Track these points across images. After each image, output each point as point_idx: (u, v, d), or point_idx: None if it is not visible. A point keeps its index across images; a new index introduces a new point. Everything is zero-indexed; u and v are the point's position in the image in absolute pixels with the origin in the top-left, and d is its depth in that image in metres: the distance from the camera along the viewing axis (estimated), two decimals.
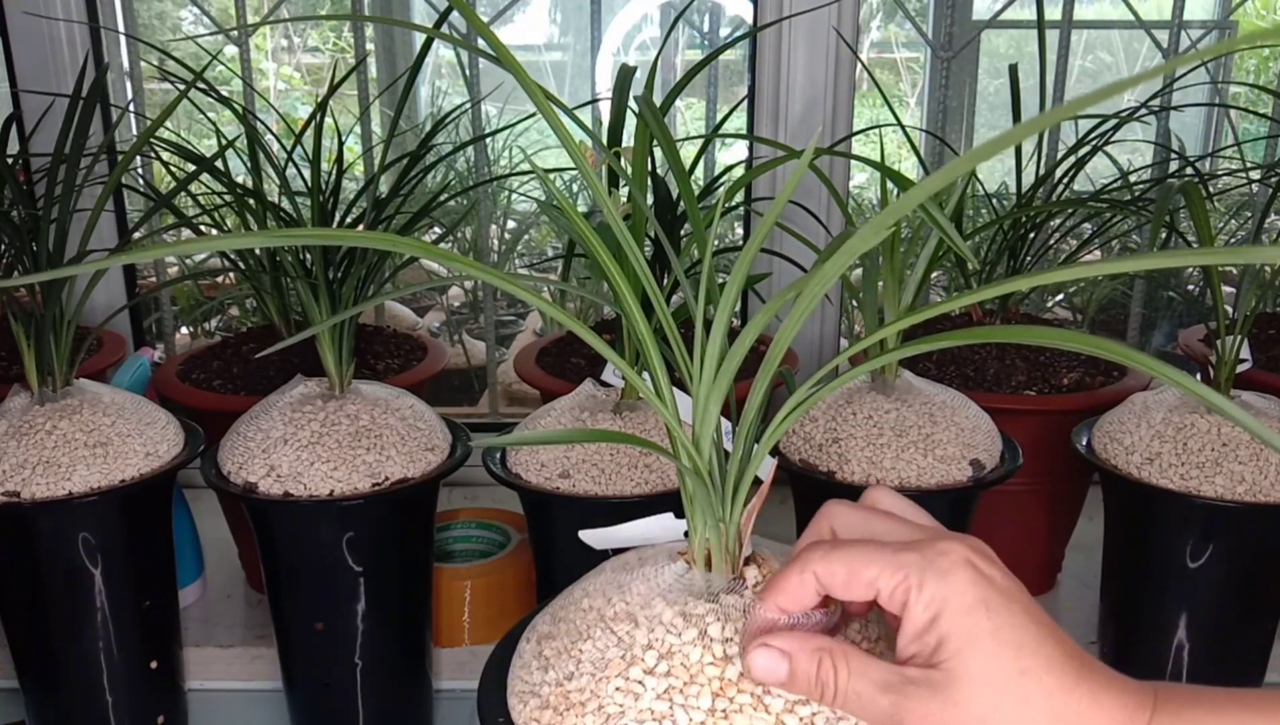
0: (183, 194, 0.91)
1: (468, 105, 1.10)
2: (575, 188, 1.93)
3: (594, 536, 0.60)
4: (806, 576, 0.37)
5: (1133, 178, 1.08)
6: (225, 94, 0.89)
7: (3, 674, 0.86)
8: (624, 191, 0.74)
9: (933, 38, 1.23)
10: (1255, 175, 1.11)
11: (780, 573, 0.38)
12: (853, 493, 0.74)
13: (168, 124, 0.85)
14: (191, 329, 1.80)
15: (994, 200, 1.36)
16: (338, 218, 0.87)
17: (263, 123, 1.07)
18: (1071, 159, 0.99)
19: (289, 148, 0.88)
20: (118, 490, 0.73)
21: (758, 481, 0.44)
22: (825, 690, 0.36)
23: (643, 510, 0.59)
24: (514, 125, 1.09)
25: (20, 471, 0.72)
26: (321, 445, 0.74)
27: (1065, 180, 1.00)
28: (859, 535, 0.39)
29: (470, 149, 1.53)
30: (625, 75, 0.71)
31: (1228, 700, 0.35)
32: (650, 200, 0.79)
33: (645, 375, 0.44)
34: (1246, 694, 0.35)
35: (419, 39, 2.17)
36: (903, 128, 0.96)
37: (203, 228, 1.05)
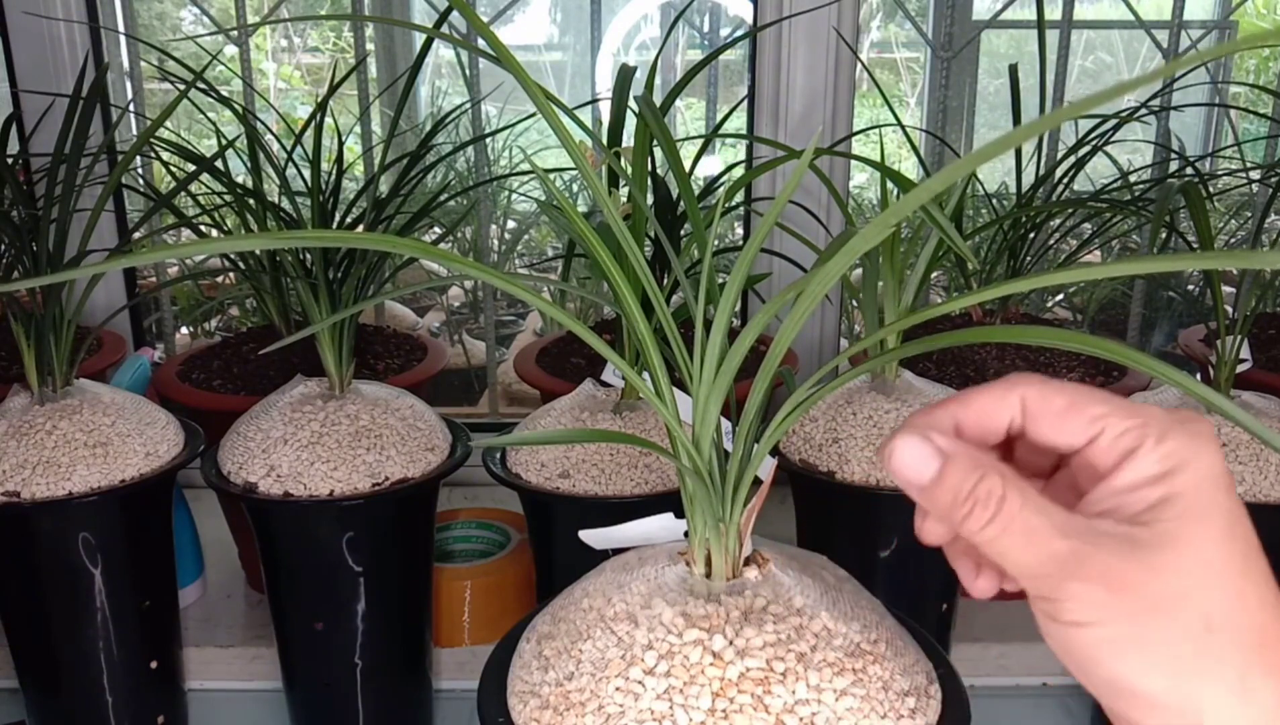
0: (183, 194, 0.91)
1: (468, 105, 1.10)
2: (575, 188, 1.93)
3: (594, 536, 0.60)
4: (1010, 397, 0.31)
5: (1133, 178, 1.08)
6: (225, 94, 0.89)
7: (3, 674, 0.86)
8: (624, 191, 0.74)
9: (933, 38, 1.23)
10: (1255, 175, 1.11)
11: (974, 389, 0.32)
12: (853, 493, 0.74)
13: (168, 124, 0.85)
14: (191, 329, 1.80)
15: (994, 200, 1.36)
16: (338, 218, 0.87)
17: (263, 123, 1.07)
18: (1071, 159, 0.99)
19: (289, 148, 0.88)
20: (118, 490, 0.73)
21: (758, 481, 0.44)
22: (982, 511, 0.29)
23: (643, 510, 0.59)
24: (514, 125, 1.09)
25: (20, 471, 0.72)
26: (321, 445, 0.74)
27: (1065, 180, 1.00)
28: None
29: (470, 149, 1.53)
30: (625, 75, 0.71)
31: None
32: (650, 200, 0.79)
33: (645, 375, 0.44)
34: None
35: (419, 39, 2.17)
36: (903, 128, 0.96)
37: (203, 228, 1.05)
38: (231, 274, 1.19)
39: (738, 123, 1.21)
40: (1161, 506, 0.29)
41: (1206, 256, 0.31)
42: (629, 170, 0.66)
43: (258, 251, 0.98)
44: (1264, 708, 0.28)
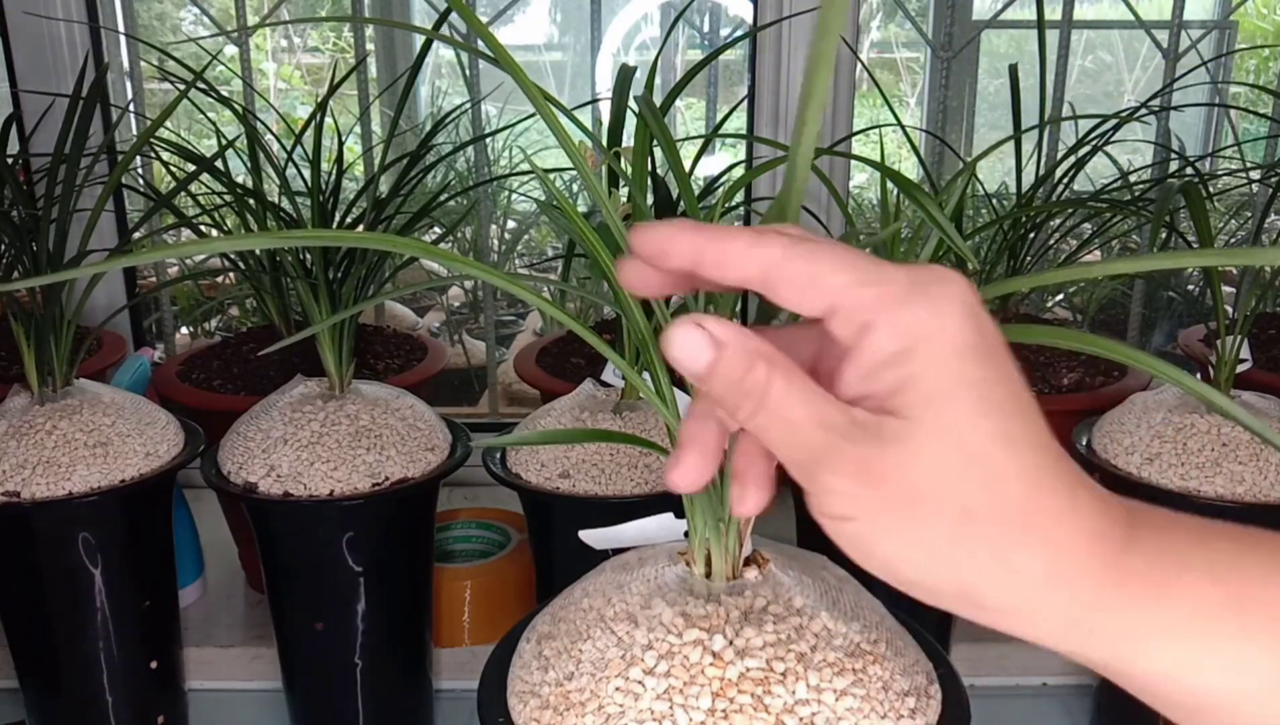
0: (183, 194, 0.91)
1: (468, 105, 1.10)
2: (575, 188, 1.93)
3: (594, 536, 0.60)
4: (754, 253, 0.28)
5: (1133, 178, 1.08)
6: (225, 94, 0.89)
7: (3, 674, 0.86)
8: (624, 191, 0.74)
9: (933, 38, 1.23)
10: (1255, 175, 1.11)
11: (731, 231, 0.29)
12: None
13: (168, 124, 0.85)
14: (191, 329, 1.80)
15: (994, 200, 1.36)
16: (338, 218, 0.87)
17: (263, 123, 1.07)
18: (1071, 159, 0.99)
19: (289, 148, 0.88)
20: (118, 490, 0.73)
21: None
22: (747, 401, 0.28)
23: (643, 510, 0.59)
24: (514, 125, 1.09)
25: (20, 471, 0.72)
26: (321, 445, 0.74)
27: (1065, 180, 1.00)
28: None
29: (470, 149, 1.53)
30: (625, 75, 0.71)
31: (1207, 528, 0.29)
32: (650, 200, 0.79)
33: (645, 375, 0.44)
34: (1224, 526, 0.29)
35: (419, 39, 2.17)
36: (903, 128, 0.96)
37: (203, 228, 1.05)
38: (231, 274, 1.19)
39: (738, 123, 1.21)
40: (906, 390, 0.27)
41: (1206, 255, 0.31)
42: (629, 170, 0.66)
43: (258, 251, 0.98)
44: (1031, 580, 0.28)
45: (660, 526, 0.57)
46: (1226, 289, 1.39)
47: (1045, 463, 0.28)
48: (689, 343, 0.28)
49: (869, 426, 0.27)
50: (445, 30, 0.89)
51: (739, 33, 1.51)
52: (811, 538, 0.83)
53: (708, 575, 0.44)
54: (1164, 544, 0.28)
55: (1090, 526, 0.28)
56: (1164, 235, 0.98)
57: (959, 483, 0.27)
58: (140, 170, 1.07)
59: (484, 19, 0.45)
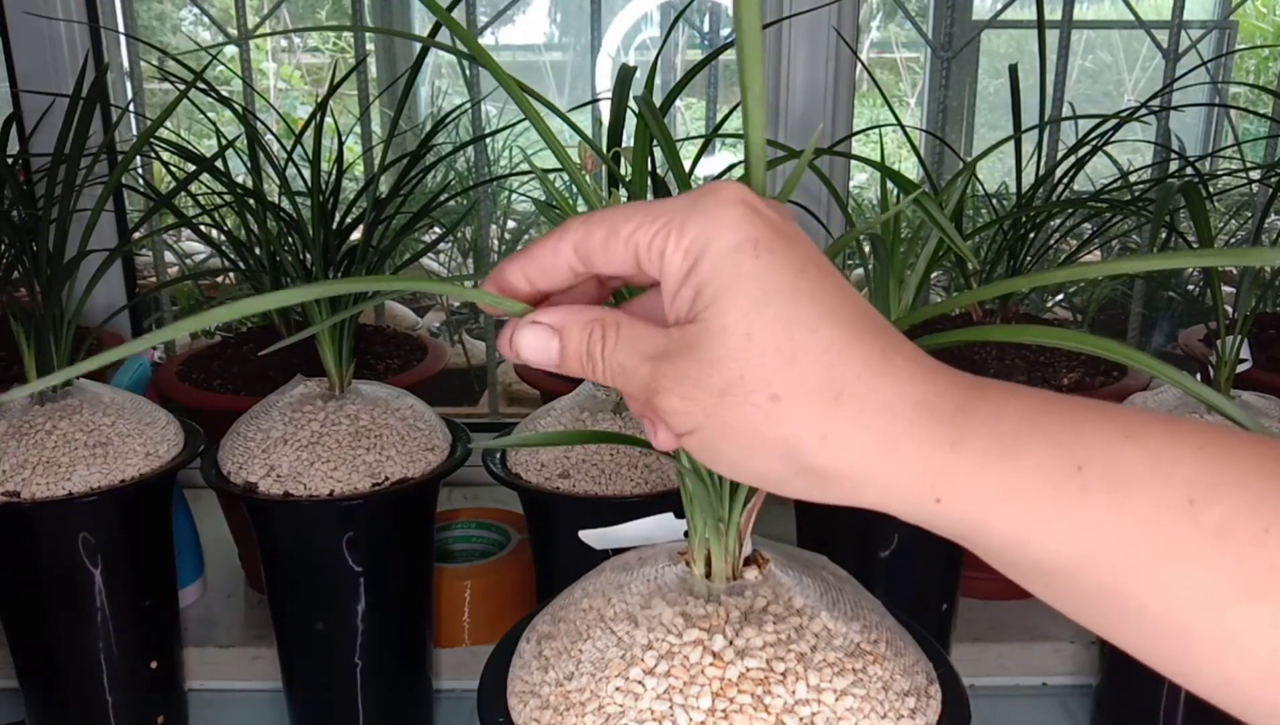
0: (183, 194, 0.91)
1: (468, 105, 1.10)
2: (575, 188, 1.93)
3: (594, 536, 0.60)
4: (562, 244, 0.31)
5: (1133, 178, 1.08)
6: (225, 94, 0.89)
7: (3, 674, 0.86)
8: (624, 192, 0.74)
9: (933, 38, 1.23)
10: (1255, 175, 1.11)
11: (536, 242, 0.32)
12: None
13: (168, 124, 0.85)
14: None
15: (994, 200, 1.36)
16: (338, 218, 0.87)
17: (263, 123, 1.07)
18: (1071, 159, 0.99)
19: (289, 148, 0.88)
20: (118, 490, 0.73)
21: None
22: (594, 365, 0.31)
23: (643, 510, 0.59)
24: (514, 125, 1.09)
25: (20, 471, 0.72)
26: (321, 445, 0.74)
27: (1065, 180, 1.00)
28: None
29: (470, 149, 1.53)
30: (625, 75, 0.71)
31: (1050, 398, 0.29)
32: (650, 200, 0.79)
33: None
34: (1066, 397, 0.29)
35: None
36: (903, 128, 0.96)
37: (203, 227, 1.05)
38: (231, 274, 1.19)
39: (738, 123, 1.21)
40: (697, 299, 0.29)
41: (1206, 254, 0.31)
42: (629, 171, 0.66)
43: (256, 251, 0.98)
44: (861, 449, 0.28)
45: (660, 526, 0.57)
46: (1226, 289, 1.39)
47: (844, 336, 0.28)
48: (532, 340, 0.32)
49: (679, 341, 0.29)
50: (444, 33, 0.89)
51: None
52: (811, 538, 0.83)
53: (708, 575, 0.44)
54: (1005, 411, 0.28)
55: (913, 393, 0.28)
56: (1164, 235, 0.98)
57: (757, 370, 0.28)
58: (140, 170, 1.07)
59: (484, 19, 0.45)
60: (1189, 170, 1.01)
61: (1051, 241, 1.06)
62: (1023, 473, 0.27)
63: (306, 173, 0.81)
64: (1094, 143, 0.97)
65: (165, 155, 0.99)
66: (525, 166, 1.84)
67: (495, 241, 2.12)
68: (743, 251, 0.28)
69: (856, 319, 0.29)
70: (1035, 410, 0.27)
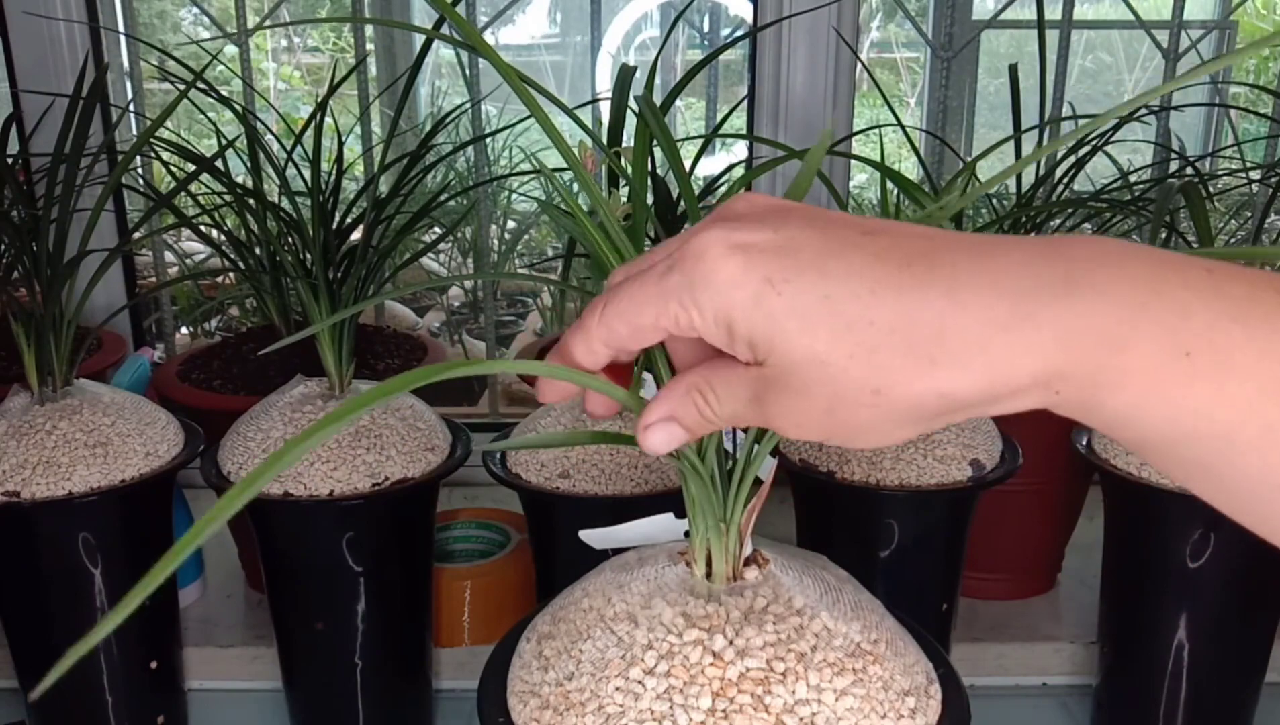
0: (183, 194, 0.91)
1: (468, 105, 1.10)
2: (576, 187, 1.93)
3: (594, 536, 0.60)
4: (593, 344, 0.33)
5: (1133, 178, 1.08)
6: (225, 94, 0.89)
7: (3, 674, 0.86)
8: (624, 191, 0.74)
9: (933, 38, 1.23)
10: (1255, 175, 1.11)
11: (566, 345, 0.34)
12: (853, 493, 0.74)
13: (168, 124, 0.85)
14: (191, 329, 1.80)
15: (994, 200, 1.36)
16: (338, 218, 0.87)
17: (263, 123, 1.07)
18: (1071, 159, 0.99)
19: (289, 148, 0.88)
20: (118, 490, 0.73)
21: (758, 482, 0.44)
22: (712, 424, 0.34)
23: (643, 510, 0.59)
24: (514, 125, 1.09)
25: (20, 471, 0.72)
26: (321, 445, 0.74)
27: (1065, 180, 1.00)
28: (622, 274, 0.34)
29: (470, 149, 1.53)
30: (625, 75, 0.71)
31: (1158, 277, 0.27)
32: (650, 200, 0.79)
33: (646, 375, 0.44)
34: (1178, 269, 0.28)
35: (419, 39, 2.17)
36: (903, 128, 0.96)
37: (203, 227, 1.05)
38: (231, 274, 1.19)
39: (738, 123, 1.21)
40: (755, 351, 0.30)
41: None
42: (629, 170, 0.66)
43: (257, 251, 0.98)
44: (963, 385, 0.28)
45: (660, 526, 0.57)
46: None
47: (901, 303, 0.28)
48: (660, 438, 0.34)
49: (764, 380, 0.31)
50: (445, 30, 0.89)
51: (739, 33, 1.51)
52: (811, 538, 0.83)
53: (708, 575, 0.44)
54: (1111, 298, 0.27)
55: (1001, 304, 0.27)
56: (1164, 235, 0.98)
57: (847, 384, 0.29)
58: (140, 170, 1.07)
59: (484, 19, 0.45)
60: (1189, 170, 1.01)
61: None
62: (1130, 364, 0.27)
63: (306, 173, 0.81)
64: (1094, 142, 0.97)
65: (165, 155, 0.99)
66: (525, 166, 1.84)
67: (495, 241, 2.12)
68: (764, 298, 0.29)
69: (902, 269, 0.28)
70: (1145, 295, 0.27)
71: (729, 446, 0.44)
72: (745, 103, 1.16)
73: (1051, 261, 0.28)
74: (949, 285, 0.28)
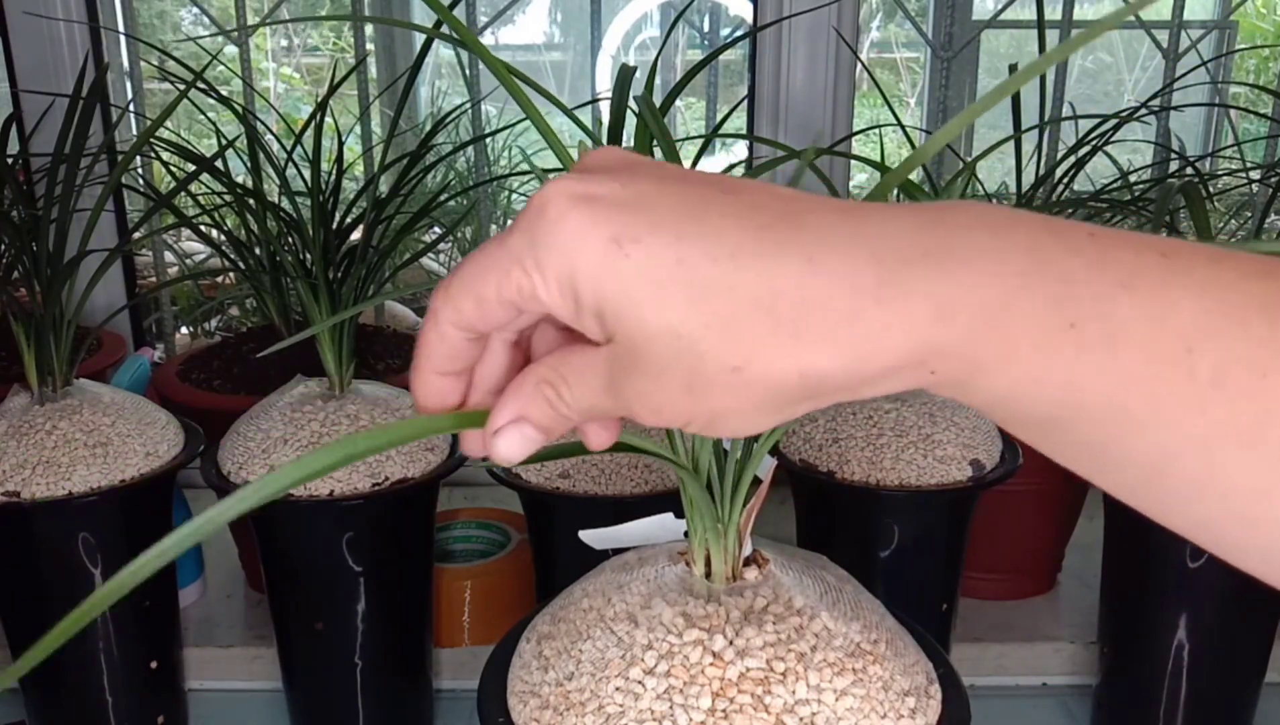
0: (183, 194, 0.91)
1: (468, 105, 1.10)
2: None
3: (594, 536, 0.60)
4: (442, 328, 0.29)
5: (1133, 178, 1.08)
6: (225, 94, 0.89)
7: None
8: None
9: (933, 38, 1.23)
10: (1255, 175, 1.11)
11: (418, 338, 0.31)
12: (853, 492, 0.74)
13: (168, 124, 0.85)
14: (191, 329, 1.80)
15: (994, 200, 1.36)
16: (338, 218, 0.87)
17: (263, 123, 1.07)
18: (1071, 159, 0.99)
19: (289, 148, 0.88)
20: (118, 490, 0.73)
21: (757, 481, 0.44)
22: (567, 420, 0.29)
23: (643, 510, 0.59)
24: (514, 125, 1.09)
25: (20, 471, 0.72)
26: (322, 445, 0.74)
27: (1065, 180, 1.00)
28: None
29: (470, 149, 1.53)
30: (625, 75, 0.71)
31: (1032, 264, 0.25)
32: None
33: None
34: (1058, 250, 0.25)
35: (419, 39, 2.17)
36: (903, 128, 0.96)
37: (203, 227, 1.05)
38: (231, 274, 1.19)
39: (738, 123, 1.21)
40: (603, 324, 0.27)
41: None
42: None
43: (257, 251, 0.98)
44: (830, 363, 0.25)
45: (660, 526, 0.57)
46: None
47: (767, 271, 0.25)
48: (510, 444, 0.29)
49: (616, 362, 0.27)
50: (446, 28, 0.89)
51: (739, 33, 1.51)
52: (811, 538, 0.83)
53: (708, 575, 0.44)
54: (989, 271, 0.25)
55: (869, 273, 0.25)
56: (1164, 235, 0.98)
57: (705, 357, 0.26)
58: (140, 170, 1.07)
59: (484, 19, 0.45)
60: (1189, 170, 1.01)
61: None
62: (1010, 339, 0.24)
63: (306, 173, 0.81)
64: (1094, 142, 0.97)
65: (165, 155, 0.99)
66: (525, 166, 1.84)
67: None
68: (610, 257, 0.26)
69: (765, 230, 0.25)
70: (1027, 262, 0.24)
71: (726, 445, 0.44)
72: (745, 103, 1.16)
73: (929, 228, 0.25)
74: (816, 250, 0.25)
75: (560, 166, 0.45)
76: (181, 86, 0.81)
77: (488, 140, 1.38)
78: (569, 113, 0.53)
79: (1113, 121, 0.96)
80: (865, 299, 0.25)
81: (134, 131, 1.20)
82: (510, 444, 0.29)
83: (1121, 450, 0.25)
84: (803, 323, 0.25)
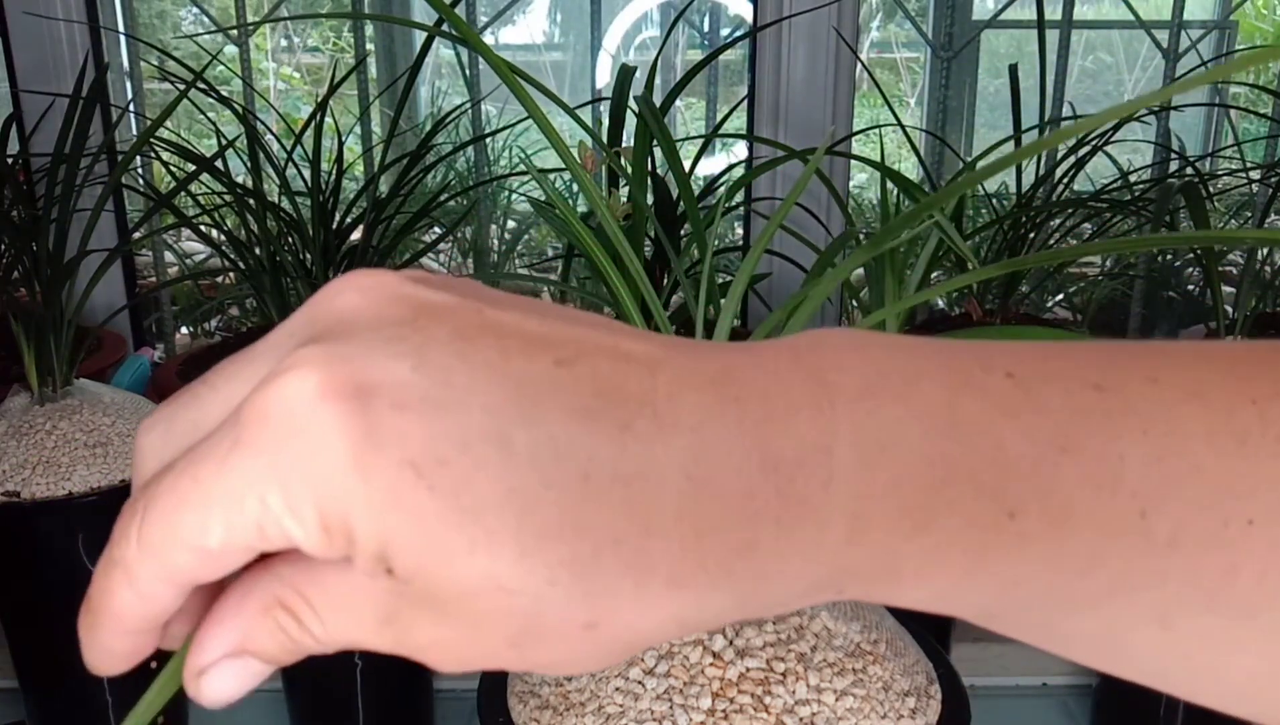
0: (183, 194, 0.91)
1: (468, 105, 1.10)
2: (574, 187, 1.93)
3: None
4: (142, 588, 0.22)
5: (1133, 178, 1.08)
6: (225, 94, 0.89)
7: (3, 674, 0.86)
8: (624, 191, 0.74)
9: (933, 38, 1.23)
10: (1255, 175, 1.11)
11: (94, 592, 0.23)
12: None
13: (168, 124, 0.85)
14: (191, 329, 1.80)
15: (994, 200, 1.36)
16: (338, 218, 0.87)
17: (263, 123, 1.07)
18: (1071, 159, 0.99)
19: (289, 148, 0.88)
20: (118, 490, 0.73)
21: None
22: (306, 651, 0.21)
23: None
24: (514, 125, 1.09)
25: (20, 471, 0.72)
26: None
27: (1065, 180, 1.00)
28: (174, 449, 0.21)
29: (470, 149, 1.53)
30: (625, 75, 0.71)
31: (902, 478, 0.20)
32: (650, 200, 0.79)
33: None
34: (977, 418, 0.21)
35: (419, 39, 2.17)
36: (903, 128, 0.96)
37: (203, 227, 1.05)
38: (231, 274, 1.19)
39: (738, 123, 1.21)
40: (394, 572, 0.19)
41: (1206, 235, 0.31)
42: (629, 170, 0.66)
43: (257, 251, 0.98)
44: (699, 609, 0.20)
45: None
46: (1227, 289, 1.39)
47: (607, 503, 0.19)
48: (224, 682, 0.22)
49: (408, 597, 0.19)
50: (446, 27, 0.89)
51: (739, 33, 1.51)
52: None
53: None
54: (903, 468, 0.20)
55: (737, 487, 0.19)
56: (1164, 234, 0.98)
57: (545, 612, 0.19)
58: (140, 170, 1.07)
59: (484, 19, 0.45)
60: (1189, 170, 1.01)
61: (1051, 242, 1.06)
62: (937, 548, 0.20)
63: (306, 173, 0.81)
64: (1094, 143, 0.97)
65: (165, 155, 0.99)
66: (525, 167, 1.84)
67: (495, 241, 2.12)
68: (403, 492, 0.18)
69: (624, 432, 0.19)
70: (948, 443, 0.20)
71: None
72: (745, 103, 1.16)
73: (819, 404, 0.20)
74: (697, 463, 0.19)
75: (560, 166, 0.45)
76: (181, 86, 0.81)
77: (488, 140, 1.38)
78: (571, 112, 0.53)
79: (1113, 121, 0.96)
80: (763, 524, 0.19)
81: (134, 131, 1.20)
82: (223, 684, 0.21)
83: (1069, 629, 0.22)
84: (680, 564, 0.19)
